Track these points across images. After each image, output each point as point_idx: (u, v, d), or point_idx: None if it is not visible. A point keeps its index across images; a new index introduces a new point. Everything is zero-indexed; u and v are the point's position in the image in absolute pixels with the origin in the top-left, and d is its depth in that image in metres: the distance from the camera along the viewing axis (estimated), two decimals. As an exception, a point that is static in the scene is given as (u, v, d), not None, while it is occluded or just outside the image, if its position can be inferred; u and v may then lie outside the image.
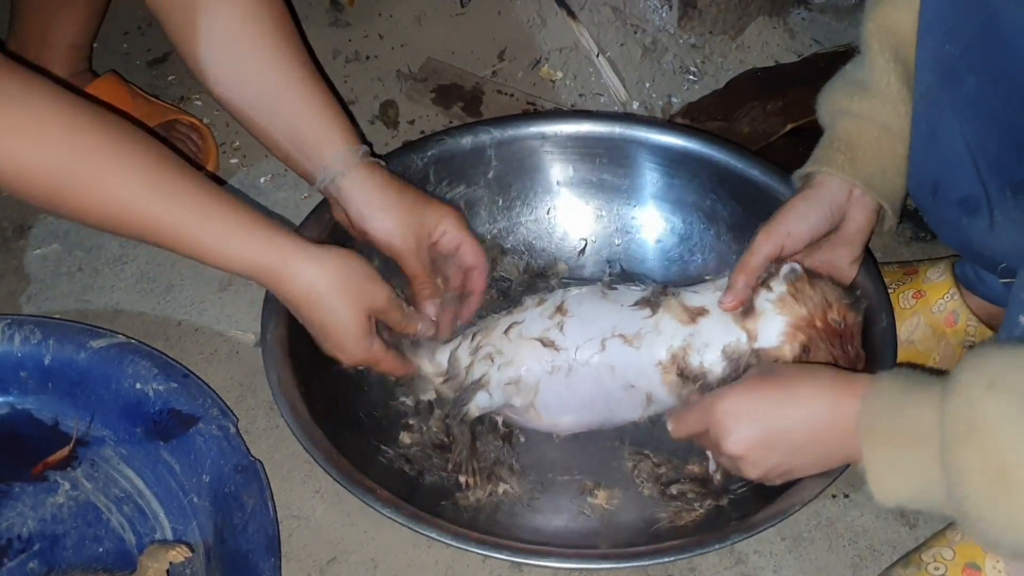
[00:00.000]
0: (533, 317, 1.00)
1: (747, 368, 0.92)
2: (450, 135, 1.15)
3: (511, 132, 1.15)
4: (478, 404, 0.99)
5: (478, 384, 0.99)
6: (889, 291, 1.10)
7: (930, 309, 1.07)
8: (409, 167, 1.12)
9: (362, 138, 1.01)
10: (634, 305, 0.98)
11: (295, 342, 0.99)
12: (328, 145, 0.97)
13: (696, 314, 0.95)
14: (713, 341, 0.94)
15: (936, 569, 0.89)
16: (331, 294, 0.92)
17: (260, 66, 0.97)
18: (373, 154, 1.01)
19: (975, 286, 1.06)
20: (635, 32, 1.44)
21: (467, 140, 1.14)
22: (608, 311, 0.98)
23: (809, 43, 1.49)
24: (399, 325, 0.98)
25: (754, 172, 1.11)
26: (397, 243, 0.99)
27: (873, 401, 0.78)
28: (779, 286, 0.93)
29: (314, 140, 0.98)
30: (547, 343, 0.97)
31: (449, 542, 0.89)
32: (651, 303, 0.97)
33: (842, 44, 1.45)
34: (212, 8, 0.95)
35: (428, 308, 1.02)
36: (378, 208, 0.98)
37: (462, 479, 1.00)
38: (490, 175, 1.16)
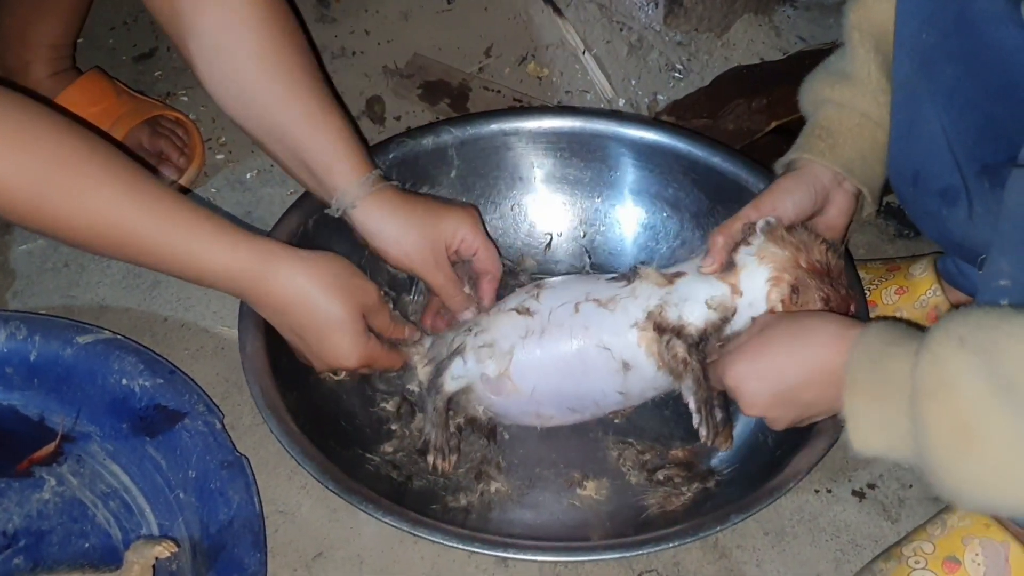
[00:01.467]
0: (511, 297, 1.01)
1: (734, 315, 0.92)
2: (411, 136, 1.15)
3: (472, 131, 1.16)
4: (453, 374, 0.98)
5: (454, 352, 0.99)
6: (872, 287, 1.11)
7: (913, 305, 1.08)
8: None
9: (371, 159, 1.00)
10: (610, 278, 0.98)
11: (274, 352, 1.00)
12: (337, 175, 0.97)
13: (674, 277, 0.95)
14: (693, 296, 0.93)
15: (916, 563, 0.90)
16: (324, 294, 0.91)
17: (261, 86, 0.95)
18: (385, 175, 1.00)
19: (957, 281, 1.07)
20: (621, 29, 1.45)
21: (428, 140, 1.14)
22: (583, 282, 0.99)
23: (794, 41, 1.49)
24: (388, 328, 0.98)
25: (716, 160, 1.13)
26: (418, 266, 0.99)
27: (857, 353, 0.80)
28: (757, 238, 0.92)
29: (323, 170, 0.97)
30: (522, 311, 0.98)
31: (434, 539, 0.89)
32: (627, 276, 0.97)
33: (827, 42, 1.45)
34: (203, 16, 0.93)
35: (465, 316, 1.03)
36: (392, 236, 0.98)
37: (430, 458, 0.99)
38: (453, 175, 1.16)
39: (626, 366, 0.94)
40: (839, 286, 0.91)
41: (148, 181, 0.87)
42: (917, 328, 0.80)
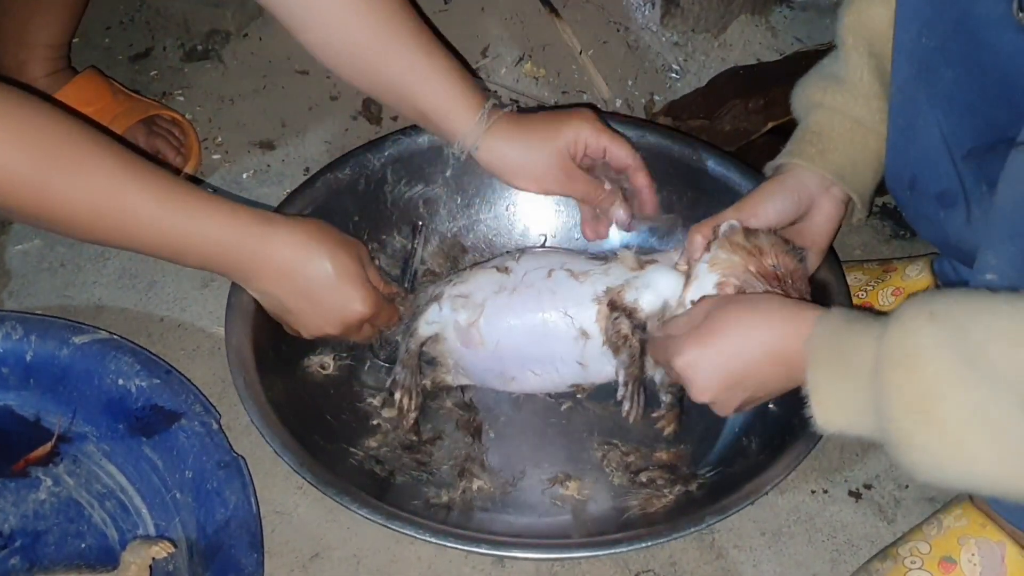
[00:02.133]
0: (497, 257, 1.04)
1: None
2: (407, 134, 1.15)
3: None
4: (428, 319, 1.02)
5: (432, 298, 1.02)
6: (869, 288, 1.11)
7: (909, 306, 1.08)
8: (366, 167, 1.13)
9: (482, 89, 1.02)
10: (591, 255, 1.02)
11: (259, 346, 1.00)
12: (452, 122, 1.00)
13: (647, 263, 0.98)
14: (655, 285, 0.96)
15: (913, 563, 0.90)
16: (326, 246, 0.93)
17: (362, 40, 0.98)
18: (496, 99, 1.02)
19: (953, 282, 1.07)
20: (618, 30, 1.45)
21: (424, 139, 1.14)
22: (564, 254, 1.03)
23: (791, 41, 1.50)
24: (379, 283, 1.00)
25: (709, 162, 1.13)
26: (553, 186, 1.02)
27: (820, 329, 0.80)
28: (715, 246, 0.93)
29: (438, 119, 1.00)
30: (501, 269, 1.02)
31: (431, 540, 0.89)
32: (606, 256, 1.01)
33: (824, 42, 1.45)
34: None
35: (619, 214, 1.05)
36: (518, 168, 1.01)
37: (397, 395, 1.02)
38: (448, 173, 1.16)
39: (584, 335, 0.98)
40: (794, 290, 0.91)
41: (144, 163, 0.88)
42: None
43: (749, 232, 0.93)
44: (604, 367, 0.99)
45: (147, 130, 1.31)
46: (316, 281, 0.94)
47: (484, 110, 0.99)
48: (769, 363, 0.83)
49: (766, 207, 0.95)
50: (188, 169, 1.31)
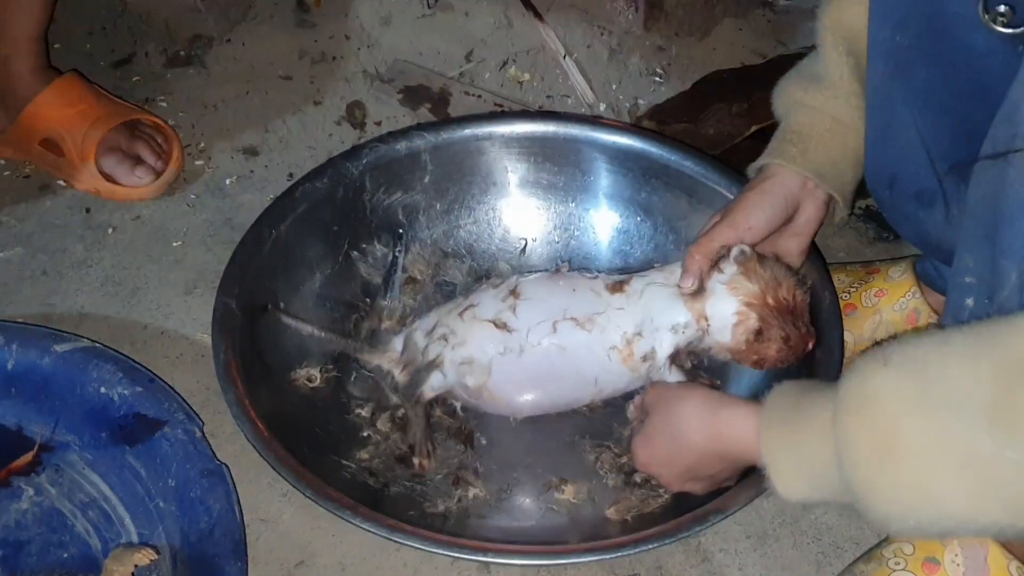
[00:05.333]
0: (487, 300, 1.02)
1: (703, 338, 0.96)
2: (384, 141, 1.15)
3: (445, 136, 1.16)
4: (432, 385, 1.01)
5: (432, 364, 1.00)
6: (852, 290, 1.11)
7: (892, 307, 1.08)
8: (345, 176, 1.12)
9: None
10: (590, 278, 1.02)
11: (246, 359, 1.00)
12: None
13: (647, 295, 0.98)
14: (662, 323, 0.96)
15: (897, 564, 0.90)
16: None
17: None
18: None
19: (936, 282, 1.07)
20: (602, 34, 1.45)
21: (402, 146, 1.14)
22: (560, 294, 1.01)
23: (774, 45, 1.50)
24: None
25: (688, 164, 1.13)
26: None
27: (770, 406, 0.81)
28: (730, 267, 0.94)
29: None
30: (500, 325, 0.99)
31: (417, 545, 0.89)
32: (598, 277, 1.02)
33: (806, 46, 1.45)
34: None
35: None
36: None
37: (416, 461, 1.01)
38: (426, 180, 1.16)
39: (598, 381, 0.99)
40: (800, 324, 0.94)
41: None
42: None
43: (763, 259, 0.95)
44: (617, 392, 1.01)
45: (129, 133, 1.30)
46: None
47: None
48: (710, 458, 0.88)
49: (758, 219, 0.95)
50: (169, 172, 1.30)
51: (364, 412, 1.06)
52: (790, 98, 1.00)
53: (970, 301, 0.78)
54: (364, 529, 0.89)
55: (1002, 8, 0.74)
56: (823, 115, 0.97)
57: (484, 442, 1.05)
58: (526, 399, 1.01)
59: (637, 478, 1.00)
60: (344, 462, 1.01)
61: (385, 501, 0.98)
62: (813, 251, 1.05)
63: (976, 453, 0.65)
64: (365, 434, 1.04)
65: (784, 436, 0.78)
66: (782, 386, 0.82)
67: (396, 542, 0.89)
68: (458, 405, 1.04)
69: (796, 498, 0.78)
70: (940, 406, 0.67)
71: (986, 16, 0.75)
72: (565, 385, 1.00)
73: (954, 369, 0.66)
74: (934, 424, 0.67)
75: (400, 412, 1.05)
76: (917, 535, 0.77)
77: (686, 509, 0.93)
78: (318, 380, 1.06)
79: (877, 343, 1.08)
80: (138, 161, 1.29)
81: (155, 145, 1.31)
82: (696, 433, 0.87)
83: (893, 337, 0.73)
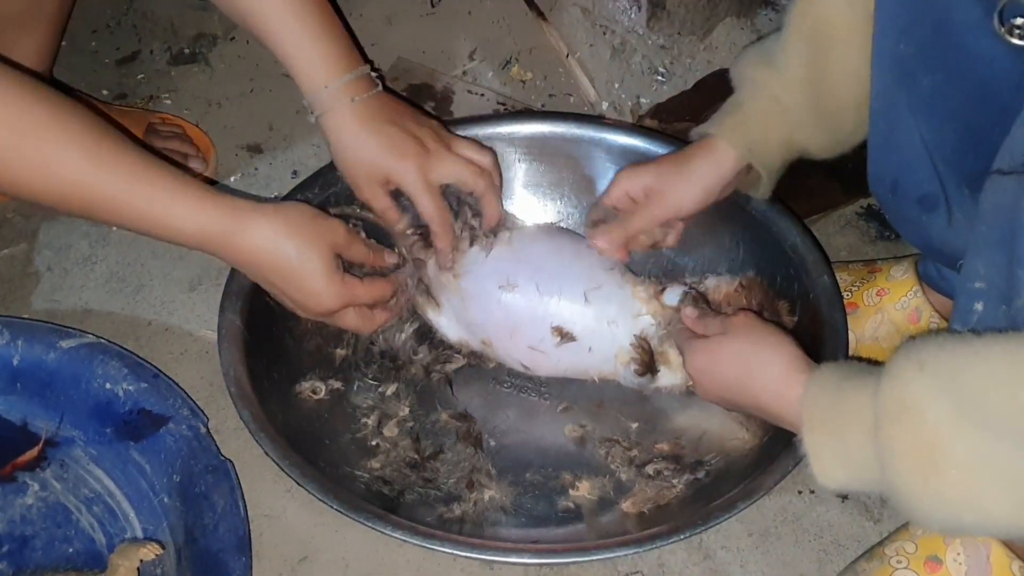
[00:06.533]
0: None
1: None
2: None
3: None
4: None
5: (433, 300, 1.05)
6: (854, 289, 1.12)
7: (894, 306, 1.09)
8: (334, 183, 1.11)
9: (353, 59, 0.99)
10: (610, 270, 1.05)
11: (254, 374, 1.00)
12: (308, 81, 0.97)
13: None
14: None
15: (899, 562, 0.90)
16: (292, 239, 0.92)
17: None
18: (375, 74, 1.00)
19: (937, 283, 1.08)
20: (604, 33, 1.45)
21: None
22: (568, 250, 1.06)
23: (776, 44, 1.50)
24: (367, 257, 1.00)
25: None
26: (362, 190, 1.01)
27: (813, 389, 0.81)
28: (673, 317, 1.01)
29: (296, 73, 0.98)
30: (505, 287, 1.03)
31: (417, 543, 0.89)
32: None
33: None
34: None
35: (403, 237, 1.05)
36: (347, 155, 0.99)
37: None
38: None
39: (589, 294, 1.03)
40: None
41: (114, 143, 0.87)
42: (870, 363, 0.82)
43: (698, 298, 1.01)
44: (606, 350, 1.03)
45: (156, 136, 1.29)
46: (284, 279, 0.94)
47: (339, 81, 0.97)
48: (762, 408, 0.88)
49: (690, 207, 1.02)
50: (209, 169, 1.30)
51: (370, 421, 1.05)
52: (741, 72, 1.03)
53: (979, 306, 0.78)
54: (368, 526, 0.90)
55: (1019, 21, 0.75)
56: (765, 92, 1.00)
57: (493, 444, 1.05)
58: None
59: (650, 470, 1.00)
60: (357, 472, 1.01)
61: (401, 508, 0.98)
62: (815, 248, 1.05)
63: (1018, 468, 0.68)
64: (374, 443, 1.04)
65: (825, 429, 0.79)
66: (822, 372, 0.82)
67: (399, 539, 0.90)
68: (458, 407, 1.04)
69: (834, 486, 0.80)
70: (980, 422, 0.69)
71: (1002, 28, 0.75)
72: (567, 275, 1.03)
73: (996, 387, 0.68)
74: (974, 436, 0.69)
75: (408, 421, 1.06)
76: (956, 534, 0.80)
77: (703, 499, 0.94)
78: (323, 392, 1.06)
79: (876, 341, 1.09)
80: (184, 157, 1.29)
81: (185, 143, 1.30)
82: (766, 390, 0.87)
83: (912, 338, 0.75)
